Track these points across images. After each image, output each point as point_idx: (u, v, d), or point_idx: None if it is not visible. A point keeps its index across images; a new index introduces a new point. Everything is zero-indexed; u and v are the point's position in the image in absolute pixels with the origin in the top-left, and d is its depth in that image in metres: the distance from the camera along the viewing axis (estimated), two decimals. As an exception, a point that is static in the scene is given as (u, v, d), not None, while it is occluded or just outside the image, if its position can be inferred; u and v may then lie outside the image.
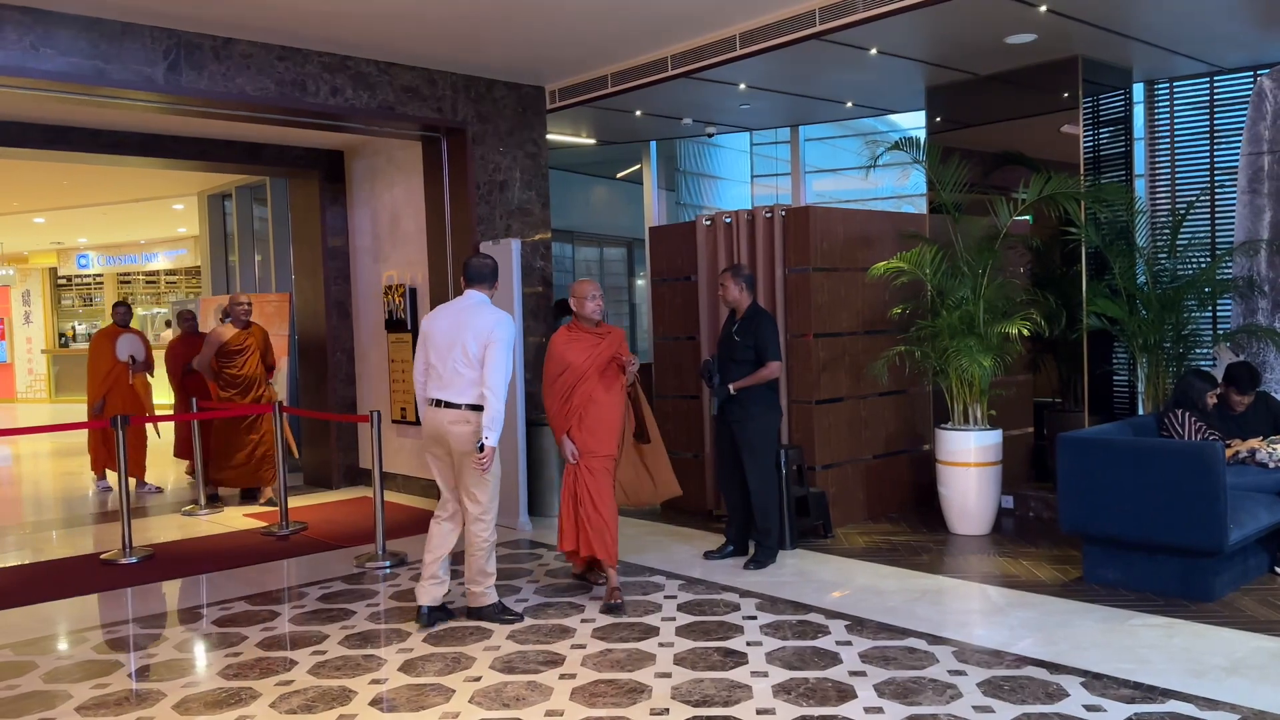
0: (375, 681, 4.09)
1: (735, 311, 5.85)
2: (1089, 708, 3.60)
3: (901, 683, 3.89)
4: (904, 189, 11.70)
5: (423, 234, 8.07)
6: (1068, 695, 3.72)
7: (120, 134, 8.21)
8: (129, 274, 20.31)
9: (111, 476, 9.08)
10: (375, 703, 3.88)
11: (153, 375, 9.29)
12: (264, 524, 7.36)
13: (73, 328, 21.13)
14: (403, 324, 8.42)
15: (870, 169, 6.54)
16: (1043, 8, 5.75)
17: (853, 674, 4.00)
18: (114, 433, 8.37)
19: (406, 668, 4.25)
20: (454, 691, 3.96)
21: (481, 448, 4.56)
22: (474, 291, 4.84)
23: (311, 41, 6.39)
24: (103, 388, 8.90)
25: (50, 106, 7.16)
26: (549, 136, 7.95)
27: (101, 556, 6.42)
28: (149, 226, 16.43)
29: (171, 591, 5.71)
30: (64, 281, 21.11)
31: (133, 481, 8.59)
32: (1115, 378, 7.39)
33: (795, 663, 4.14)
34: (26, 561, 6.54)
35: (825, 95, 7.99)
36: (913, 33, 6.26)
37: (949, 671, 3.99)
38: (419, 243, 8.21)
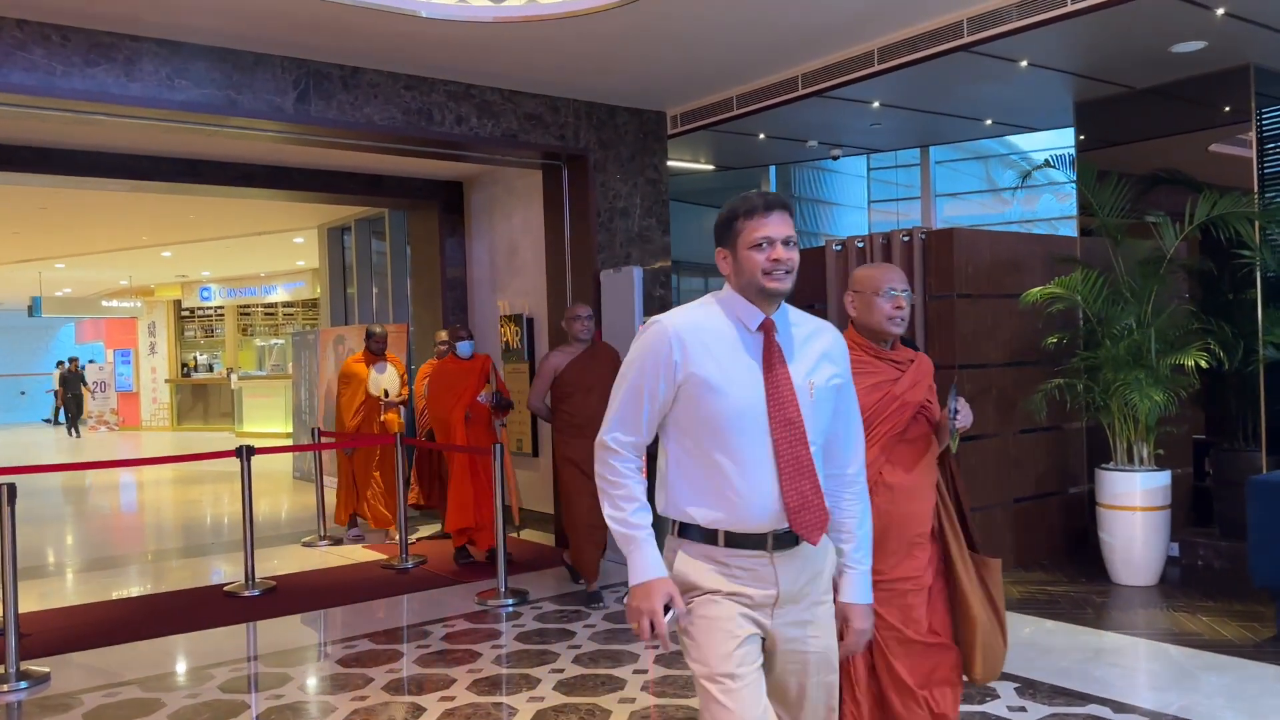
0: (508, 734, 3.85)
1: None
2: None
3: (1094, 759, 3.46)
4: (1033, 213, 11.10)
5: (541, 264, 7.93)
6: (1297, 782, 3.23)
7: (248, 167, 8.35)
8: (249, 306, 20.91)
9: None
10: (510, 759, 3.63)
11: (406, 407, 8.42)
12: (384, 557, 7.25)
13: (194, 358, 21.87)
14: (519, 354, 8.29)
15: (1018, 190, 6.13)
16: (1220, 10, 5.27)
17: (1035, 746, 3.58)
18: (355, 474, 7.83)
19: (539, 719, 3.99)
20: (593, 749, 3.68)
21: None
22: None
23: (437, 70, 6.33)
24: (353, 422, 7.86)
25: (182, 140, 7.29)
26: (668, 163, 7.74)
27: (225, 588, 6.38)
28: (269, 260, 16.89)
29: (295, 627, 5.60)
30: (187, 313, 21.88)
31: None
32: (1290, 414, 6.74)
33: (967, 730, 3.74)
34: (160, 591, 6.56)
35: (963, 113, 7.58)
36: (1068, 43, 5.83)
37: (1146, 746, 3.54)
38: (537, 272, 8.07)
